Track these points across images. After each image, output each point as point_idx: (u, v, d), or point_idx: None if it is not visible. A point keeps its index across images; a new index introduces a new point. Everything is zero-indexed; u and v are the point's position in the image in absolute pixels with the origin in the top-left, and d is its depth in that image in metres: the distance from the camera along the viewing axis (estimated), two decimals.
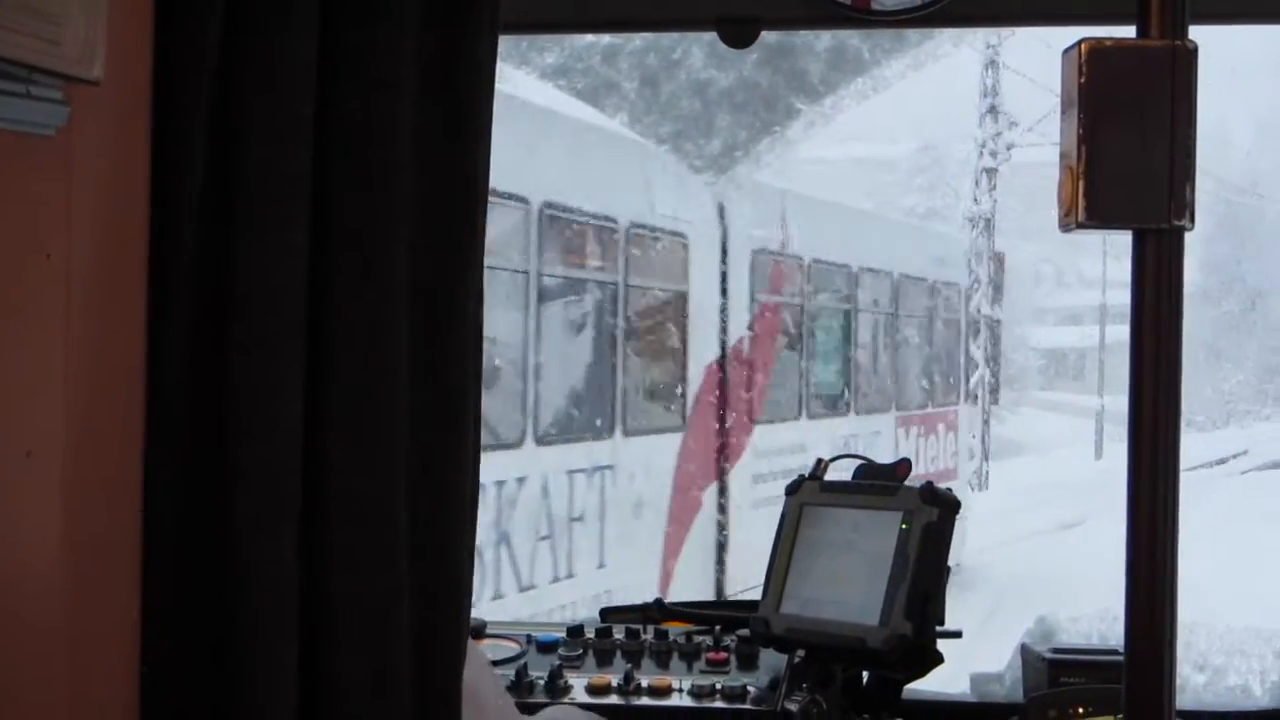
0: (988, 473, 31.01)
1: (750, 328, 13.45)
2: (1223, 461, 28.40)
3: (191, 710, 1.51)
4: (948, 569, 2.78)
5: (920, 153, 43.97)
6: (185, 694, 1.51)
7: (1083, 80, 1.84)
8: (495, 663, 2.84)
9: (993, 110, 31.23)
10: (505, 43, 2.78)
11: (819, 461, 2.99)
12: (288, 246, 1.52)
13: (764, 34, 2.96)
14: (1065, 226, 1.89)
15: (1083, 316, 44.70)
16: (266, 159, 1.52)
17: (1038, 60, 24.72)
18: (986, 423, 31.24)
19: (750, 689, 2.83)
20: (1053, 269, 50.13)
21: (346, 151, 1.56)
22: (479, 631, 3.03)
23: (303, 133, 1.54)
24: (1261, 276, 41.17)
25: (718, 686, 2.84)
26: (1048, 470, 31.45)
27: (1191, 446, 27.54)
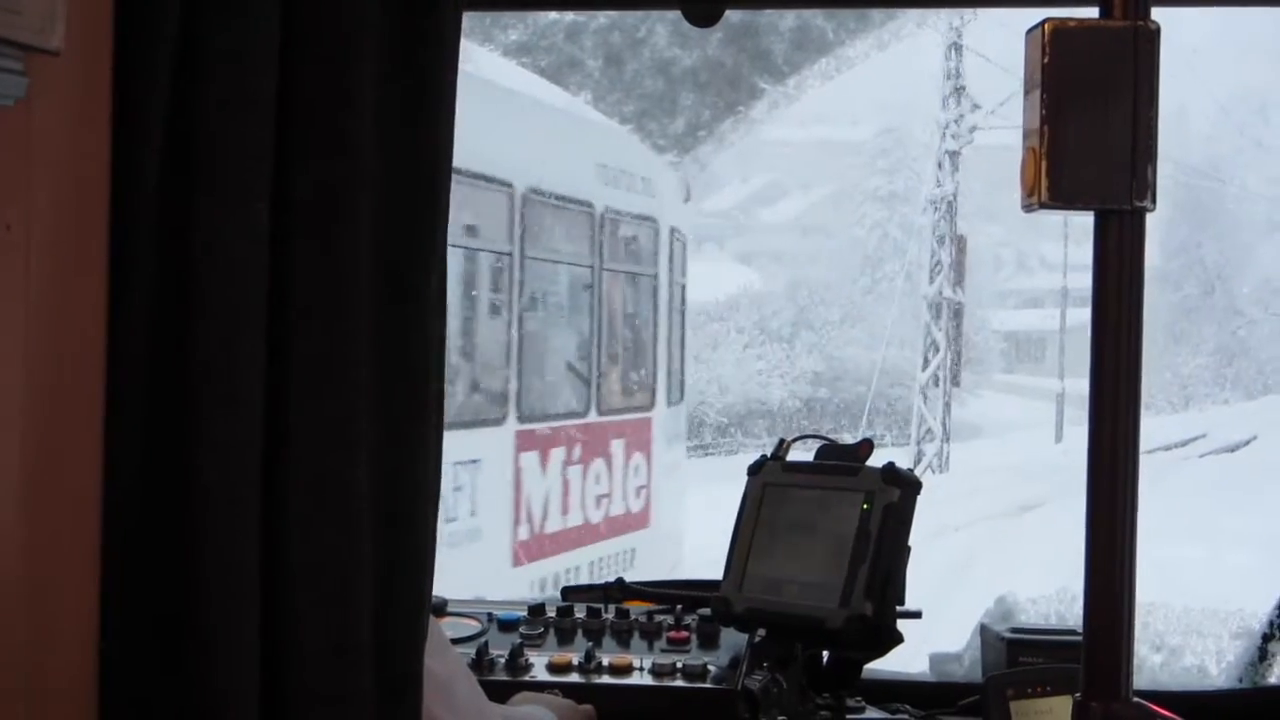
0: (949, 455, 31.16)
1: None
2: (1181, 445, 28.52)
3: (152, 685, 1.51)
4: (908, 549, 2.80)
5: (883, 135, 44.04)
6: (145, 669, 1.51)
7: (1046, 61, 1.85)
8: (456, 641, 2.84)
9: (956, 93, 31.29)
10: (469, 19, 2.78)
11: (781, 441, 3.01)
12: (249, 219, 1.51)
13: (728, 13, 2.96)
14: (1028, 207, 1.91)
15: (1044, 300, 44.89)
16: (228, 132, 1.51)
17: (1000, 43, 24.78)
18: (948, 405, 31.39)
19: (711, 668, 2.83)
20: (1014, 252, 50.35)
21: (309, 125, 1.55)
22: (440, 609, 3.03)
23: (265, 106, 1.53)
24: (1220, 260, 41.44)
25: (678, 665, 2.84)
26: (1008, 453, 31.61)
27: (1150, 430, 27.71)
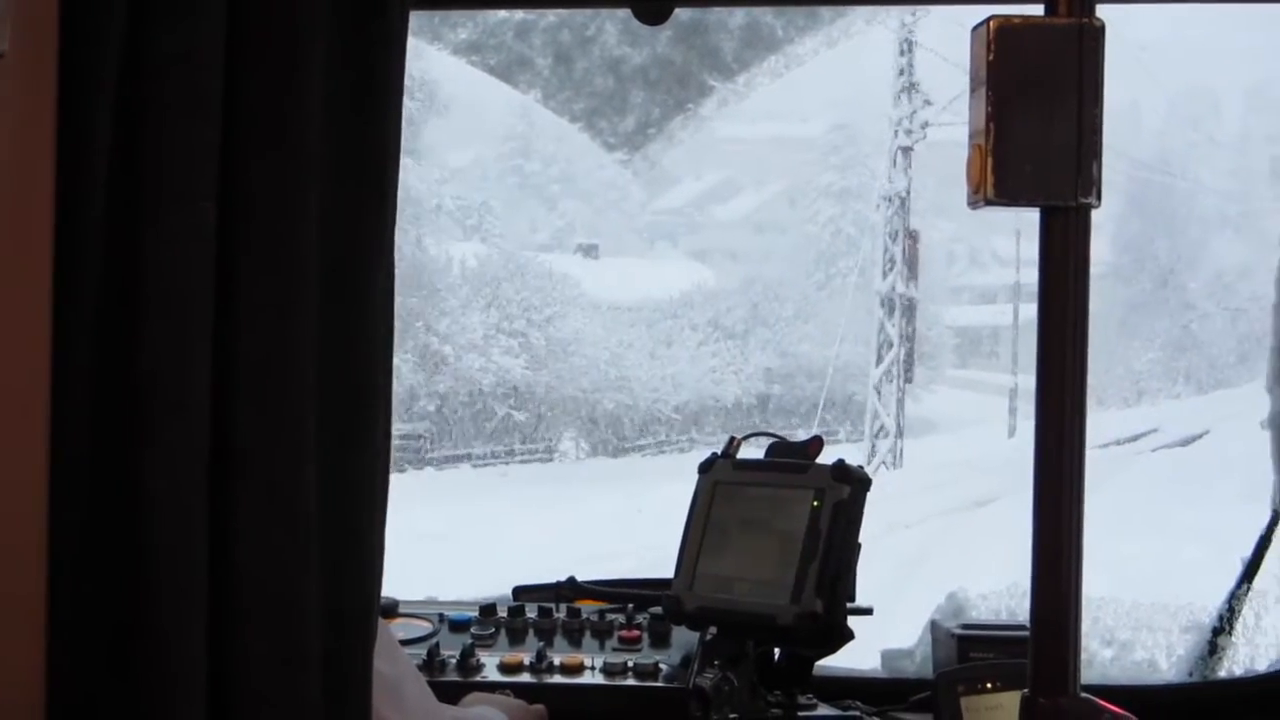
0: (902, 450, 31.25)
1: None
2: (1133, 440, 28.61)
3: (100, 688, 1.51)
4: (858, 546, 2.81)
5: (835, 131, 44.14)
6: (93, 673, 1.51)
7: (991, 58, 1.86)
8: (407, 642, 2.84)
9: (908, 89, 31.37)
10: (417, 17, 2.77)
11: (731, 439, 3.02)
12: (196, 220, 1.51)
13: (677, 11, 2.97)
14: (974, 203, 1.92)
15: (996, 295, 45.08)
16: (175, 132, 1.50)
17: (952, 39, 24.87)
18: (901, 402, 31.47)
19: (662, 666, 2.84)
20: (967, 248, 50.56)
21: (256, 125, 1.55)
22: (390, 611, 3.03)
23: (212, 106, 1.52)
24: (1173, 254, 41.66)
25: (630, 664, 2.85)
26: (962, 448, 31.69)
27: (1102, 424, 27.85)
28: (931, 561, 17.50)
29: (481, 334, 31.32)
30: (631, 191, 45.49)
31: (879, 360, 31.42)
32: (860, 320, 33.79)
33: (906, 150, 31.54)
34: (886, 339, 31.20)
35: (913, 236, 30.95)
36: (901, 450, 31.21)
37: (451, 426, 31.04)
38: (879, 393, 31.46)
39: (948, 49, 28.09)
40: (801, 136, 44.83)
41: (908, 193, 31.23)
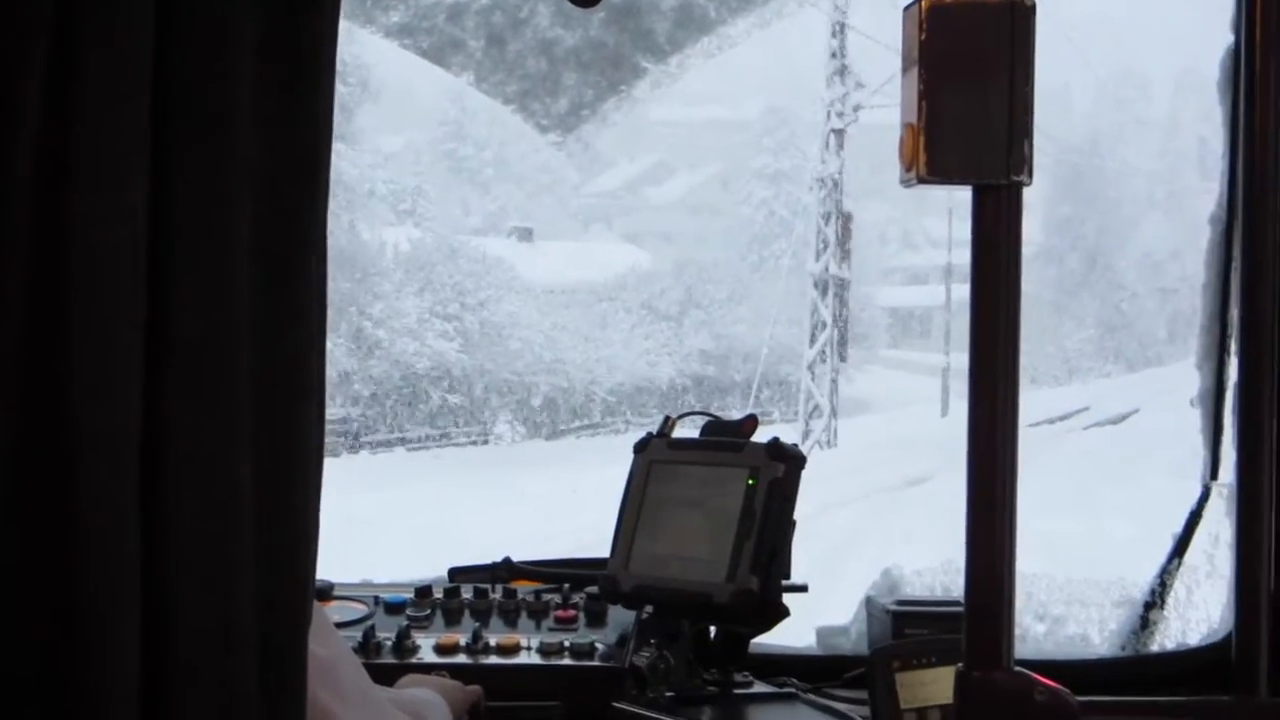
0: (836, 430, 31.37)
1: None
2: (1065, 418, 28.85)
3: (32, 674, 1.50)
4: (793, 524, 2.82)
5: (769, 114, 44.22)
6: (25, 660, 1.49)
7: (923, 37, 1.87)
8: (342, 625, 2.85)
9: (840, 72, 31.43)
10: (349, 1, 2.76)
11: (666, 419, 3.02)
12: (127, 203, 1.49)
13: None
14: (906, 182, 1.93)
15: (929, 276, 45.30)
16: (104, 118, 1.48)
17: (885, 23, 24.95)
18: (835, 382, 31.57)
19: (598, 646, 2.86)
20: (900, 230, 50.78)
21: (186, 110, 1.52)
22: (325, 593, 3.02)
23: (140, 91, 1.50)
24: (1102, 235, 41.99)
25: (566, 644, 2.86)
26: (895, 427, 31.86)
27: (1034, 403, 28.05)
28: (866, 540, 17.59)
29: (415, 318, 31.24)
30: (565, 175, 45.47)
31: (812, 341, 31.47)
32: (794, 302, 33.89)
33: (839, 133, 31.56)
34: (820, 320, 31.25)
35: (846, 218, 31.05)
36: (836, 430, 31.33)
37: (386, 411, 30.96)
38: (813, 373, 31.49)
39: (879, 32, 28.17)
40: (735, 119, 44.92)
41: (840, 175, 31.27)
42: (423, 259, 32.66)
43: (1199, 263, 3.16)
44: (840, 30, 31.32)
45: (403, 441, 30.98)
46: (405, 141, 40.96)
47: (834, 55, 31.48)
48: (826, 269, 31.04)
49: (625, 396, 34.32)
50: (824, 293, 31.10)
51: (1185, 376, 3.35)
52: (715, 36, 3.34)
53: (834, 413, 31.46)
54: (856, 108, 31.39)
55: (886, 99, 29.42)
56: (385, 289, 31.41)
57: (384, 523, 18.48)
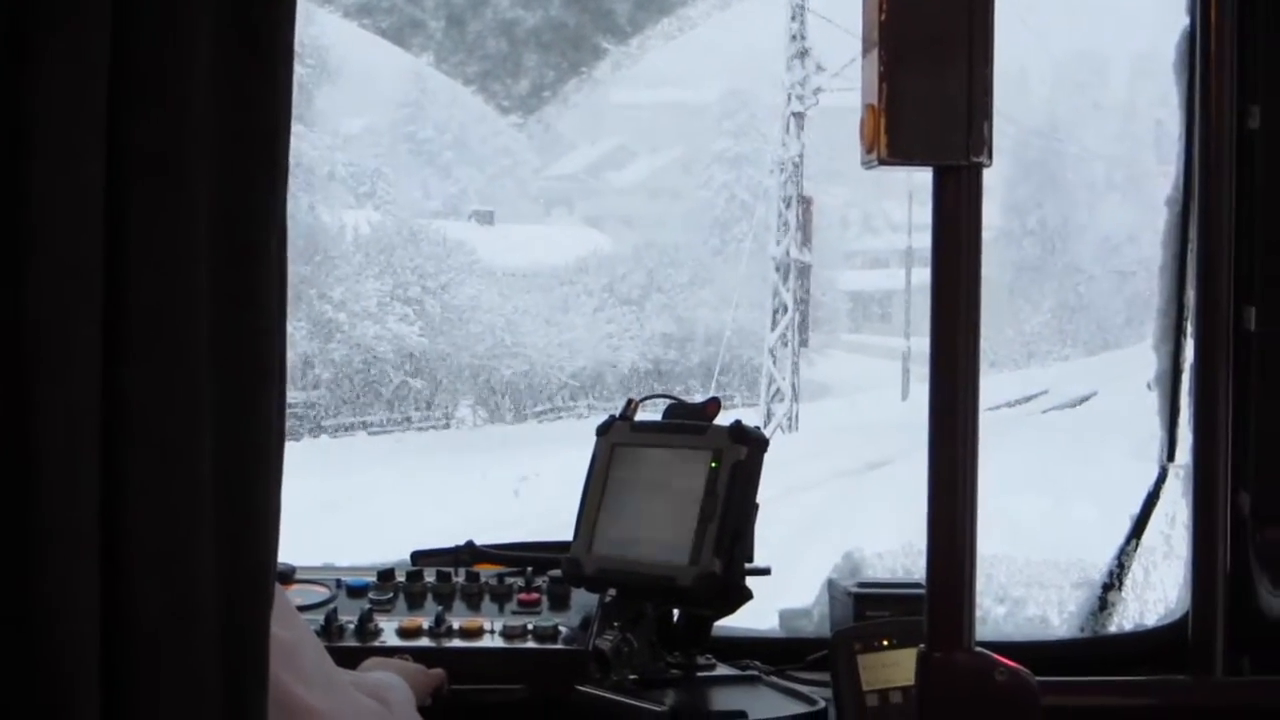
0: (798, 414, 31.42)
1: None
2: (1024, 401, 28.93)
3: None
4: (756, 506, 2.83)
5: (730, 97, 44.21)
6: None
7: (884, 18, 1.90)
8: (304, 608, 2.85)
9: (800, 55, 31.42)
10: None
11: (629, 402, 3.03)
12: (85, 177, 1.50)
13: None
14: (868, 163, 1.95)
15: (889, 260, 45.39)
16: (62, 90, 1.49)
17: (844, 6, 24.98)
18: (796, 366, 31.61)
19: (561, 629, 2.87)
20: (860, 213, 50.88)
21: (143, 84, 1.53)
22: (287, 576, 3.03)
23: (98, 64, 1.50)
24: (1060, 218, 42.13)
25: (529, 627, 2.88)
26: (856, 412, 31.95)
27: (993, 386, 28.16)
28: (828, 524, 17.64)
29: (376, 301, 31.15)
30: (526, 158, 45.41)
31: (774, 325, 31.48)
32: (756, 285, 33.91)
33: (799, 116, 31.56)
34: (781, 303, 31.20)
35: (806, 202, 31.08)
36: (797, 414, 31.35)
37: (347, 394, 30.91)
38: (774, 357, 31.47)
39: (840, 15, 28.19)
40: (696, 103, 44.90)
41: (801, 158, 31.24)
42: (383, 242, 32.56)
43: (1155, 245, 3.19)
44: (800, 13, 31.33)
45: (364, 425, 30.93)
46: (365, 124, 40.85)
47: (794, 38, 31.46)
48: (788, 253, 30.95)
49: (587, 380, 34.31)
50: (785, 276, 31.04)
51: (1142, 359, 3.37)
52: (675, 18, 3.35)
53: (796, 397, 31.49)
54: (817, 91, 31.37)
55: (846, 82, 29.44)
56: (345, 272, 31.32)
57: (345, 506, 18.47)
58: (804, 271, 31.07)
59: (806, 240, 31.00)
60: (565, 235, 39.55)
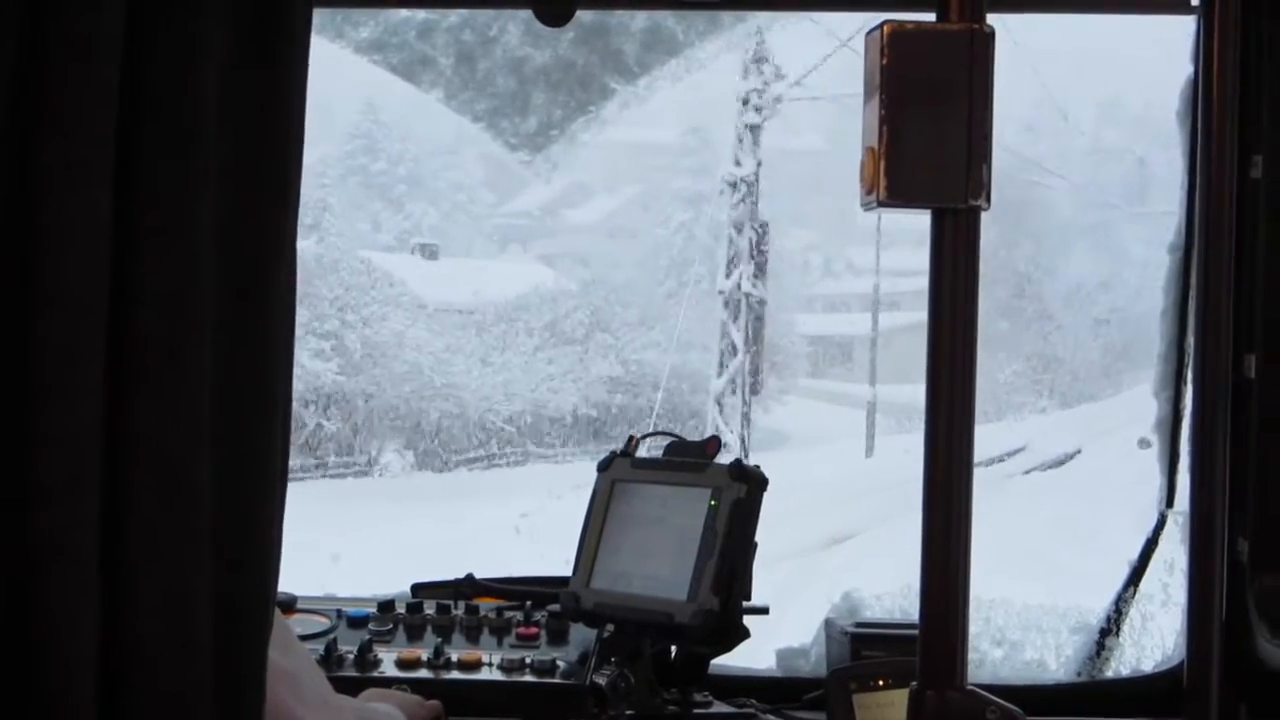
0: None
1: None
2: (1002, 460, 26.65)
3: None
4: (755, 545, 2.95)
5: (689, 135, 43.90)
6: None
7: (885, 62, 2.01)
8: (305, 637, 2.94)
9: (758, 61, 28.67)
10: (320, 15, 2.88)
11: (630, 438, 3.16)
12: (93, 209, 1.56)
13: (580, 12, 3.10)
14: (867, 205, 2.07)
15: (851, 304, 45.13)
16: (74, 121, 1.56)
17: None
18: (747, 416, 29.76)
19: (559, 663, 2.98)
20: (821, 257, 50.62)
21: (156, 118, 1.61)
22: (289, 606, 3.13)
23: (110, 97, 1.58)
24: (1032, 263, 42.05)
25: (527, 661, 2.99)
26: (815, 466, 30.66)
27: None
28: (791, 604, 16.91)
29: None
30: (480, 194, 45.07)
31: (721, 370, 29.36)
32: (711, 326, 32.93)
33: (755, 129, 29.02)
34: (730, 345, 29.09)
35: (761, 228, 28.78)
36: None
37: None
38: (720, 406, 29.39)
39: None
40: (655, 142, 44.65)
41: (756, 178, 28.97)
42: (300, 270, 31.36)
43: (1129, 294, 3.24)
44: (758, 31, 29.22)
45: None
46: (318, 155, 40.31)
47: (752, 58, 28.52)
48: (739, 286, 28.83)
49: (525, 425, 33.15)
50: (735, 314, 28.90)
51: (1123, 413, 3.43)
52: (684, 59, 3.46)
53: (745, 452, 27.86)
54: (777, 100, 28.99)
55: (803, 90, 28.03)
56: None
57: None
58: (759, 308, 28.96)
59: (760, 272, 28.89)
60: (507, 270, 38.52)
